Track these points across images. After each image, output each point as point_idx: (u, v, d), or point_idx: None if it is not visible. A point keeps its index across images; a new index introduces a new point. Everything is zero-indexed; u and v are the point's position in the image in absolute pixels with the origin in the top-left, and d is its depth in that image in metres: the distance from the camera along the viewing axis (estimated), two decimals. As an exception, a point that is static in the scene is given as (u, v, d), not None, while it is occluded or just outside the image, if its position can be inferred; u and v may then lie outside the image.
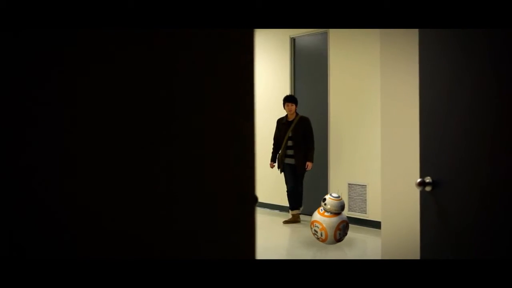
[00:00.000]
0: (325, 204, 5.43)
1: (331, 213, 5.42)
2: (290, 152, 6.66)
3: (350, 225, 5.88)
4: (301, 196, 6.84)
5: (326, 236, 5.42)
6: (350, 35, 6.76)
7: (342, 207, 5.43)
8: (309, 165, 6.51)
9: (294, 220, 6.85)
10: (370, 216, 6.54)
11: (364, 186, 6.63)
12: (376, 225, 6.35)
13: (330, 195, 5.50)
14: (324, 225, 5.40)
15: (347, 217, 5.68)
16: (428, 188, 2.14)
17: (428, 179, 2.14)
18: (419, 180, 2.14)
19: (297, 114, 6.73)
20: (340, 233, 5.44)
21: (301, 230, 6.47)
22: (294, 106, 6.66)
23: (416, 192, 3.37)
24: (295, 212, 6.84)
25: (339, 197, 5.48)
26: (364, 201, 6.63)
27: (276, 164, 6.89)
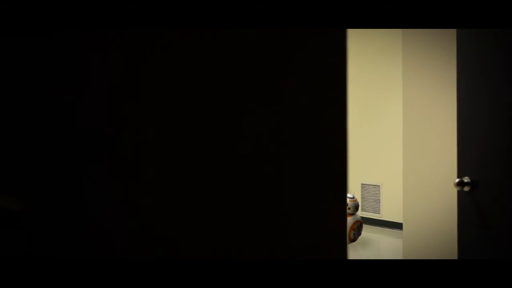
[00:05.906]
0: (348, 209, 5.43)
1: (347, 213, 5.42)
2: None
3: (363, 225, 5.88)
4: None
5: (341, 236, 5.40)
6: (362, 34, 6.74)
7: (357, 207, 5.46)
8: None
9: None
10: (384, 216, 6.53)
11: (377, 186, 6.61)
12: (390, 225, 6.33)
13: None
14: (339, 225, 5.39)
15: (361, 217, 5.68)
16: (466, 188, 2.13)
17: (466, 179, 2.14)
18: (457, 180, 2.13)
19: None
20: (354, 233, 5.43)
21: (314, 230, 6.46)
22: None
23: (439, 192, 3.36)
24: None
25: (353, 197, 5.52)
26: (378, 201, 6.62)
27: None
